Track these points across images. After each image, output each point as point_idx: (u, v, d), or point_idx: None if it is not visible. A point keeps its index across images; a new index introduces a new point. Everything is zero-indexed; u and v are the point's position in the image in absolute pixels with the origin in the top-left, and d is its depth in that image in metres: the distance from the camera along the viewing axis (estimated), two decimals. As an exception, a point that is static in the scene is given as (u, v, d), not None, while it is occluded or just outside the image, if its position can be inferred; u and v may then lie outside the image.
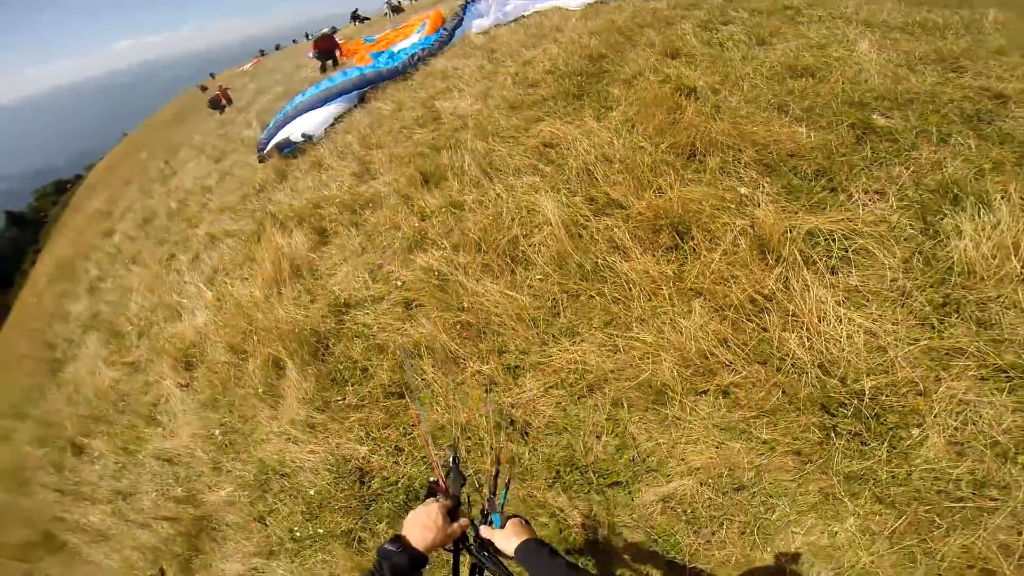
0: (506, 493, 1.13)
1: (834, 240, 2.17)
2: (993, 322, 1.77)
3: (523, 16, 7.51)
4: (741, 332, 2.01)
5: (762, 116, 3.02)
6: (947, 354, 1.75)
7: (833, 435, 1.69)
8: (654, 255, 2.45)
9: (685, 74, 3.66)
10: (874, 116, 2.81)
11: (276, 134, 6.94)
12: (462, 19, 7.67)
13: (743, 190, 2.56)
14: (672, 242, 2.48)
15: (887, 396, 1.71)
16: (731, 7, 5.16)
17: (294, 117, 6.93)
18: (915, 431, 1.63)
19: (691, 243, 2.43)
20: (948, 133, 2.55)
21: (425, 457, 2.26)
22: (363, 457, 2.40)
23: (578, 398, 2.13)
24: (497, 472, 1.15)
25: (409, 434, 2.41)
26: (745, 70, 3.57)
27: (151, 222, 9.56)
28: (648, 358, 2.07)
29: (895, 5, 4.80)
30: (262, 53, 41.18)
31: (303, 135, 6.40)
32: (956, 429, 1.59)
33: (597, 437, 1.99)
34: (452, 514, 0.97)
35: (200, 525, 2.72)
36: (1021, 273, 1.83)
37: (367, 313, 3.06)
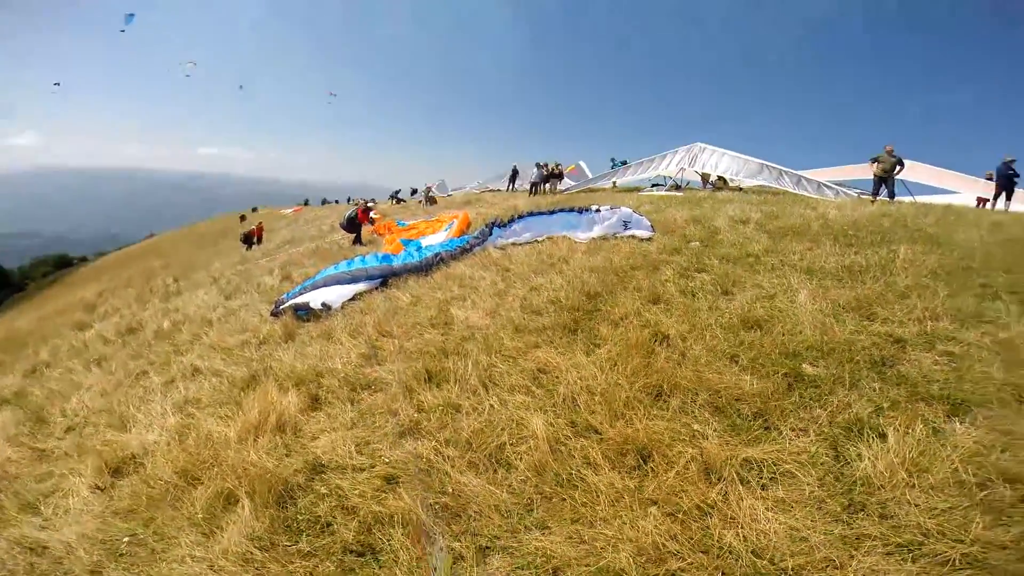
0: None
1: (765, 465, 2.72)
2: (891, 514, 2.28)
3: (538, 240, 8.56)
4: (688, 530, 2.39)
5: (717, 365, 3.65)
6: (857, 538, 2.20)
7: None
8: (619, 472, 2.84)
9: (662, 321, 4.34)
10: (804, 366, 3.52)
11: (297, 298, 7.37)
12: (486, 238, 8.67)
13: (696, 427, 3.09)
14: (636, 463, 2.88)
15: (809, 571, 2.09)
16: (706, 254, 6.23)
17: (320, 287, 7.46)
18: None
19: (651, 464, 2.86)
20: (858, 378, 3.30)
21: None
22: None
23: (543, 578, 2.33)
24: None
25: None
26: (709, 320, 4.29)
27: (134, 333, 9.51)
28: (608, 548, 2.36)
29: (832, 248, 5.91)
30: (305, 203, 46.25)
31: (323, 304, 6.82)
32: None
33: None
34: None
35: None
36: (907, 480, 2.43)
37: (344, 478, 3.10)
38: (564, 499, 2.69)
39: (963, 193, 16.53)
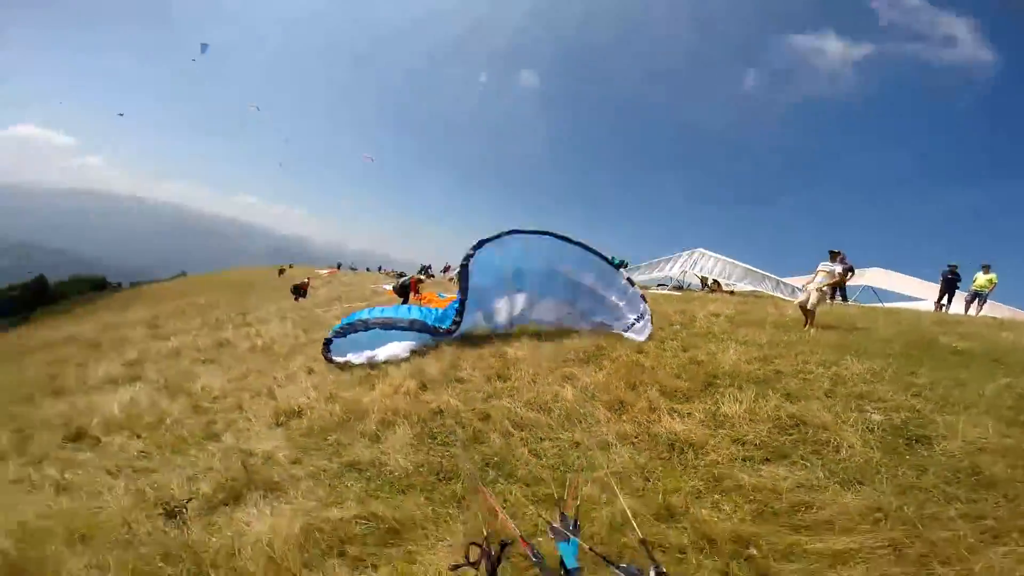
0: None
1: (684, 412, 4.87)
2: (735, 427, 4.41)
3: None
4: (642, 428, 4.73)
5: (668, 376, 6.00)
6: (717, 427, 4.47)
7: None
8: (610, 411, 5.14)
9: (641, 359, 6.85)
10: (716, 380, 5.88)
11: (362, 354, 8.10)
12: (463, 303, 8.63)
13: (650, 397, 5.40)
14: (618, 408, 5.19)
15: (689, 440, 4.21)
16: (681, 332, 8.75)
17: (378, 328, 8.31)
18: None
19: (626, 408, 5.17)
20: (745, 384, 5.39)
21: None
22: None
23: None
24: None
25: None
26: (670, 361, 6.73)
27: (225, 347, 11.95)
28: (601, 434, 4.60)
29: (770, 332, 8.29)
30: (339, 266, 50.10)
31: (388, 358, 7.89)
32: None
33: None
34: None
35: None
36: (747, 416, 4.66)
37: (456, 416, 5.60)
38: (581, 421, 5.11)
39: (927, 300, 17.74)
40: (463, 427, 5.26)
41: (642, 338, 8.20)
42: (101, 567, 3.15)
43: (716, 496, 3.69)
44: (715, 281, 21.24)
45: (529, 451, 4.62)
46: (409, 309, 9.49)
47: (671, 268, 23.63)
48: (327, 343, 8.43)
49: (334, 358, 8.24)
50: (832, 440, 4.25)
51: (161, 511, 3.82)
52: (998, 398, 5.06)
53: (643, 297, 8.97)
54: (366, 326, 8.47)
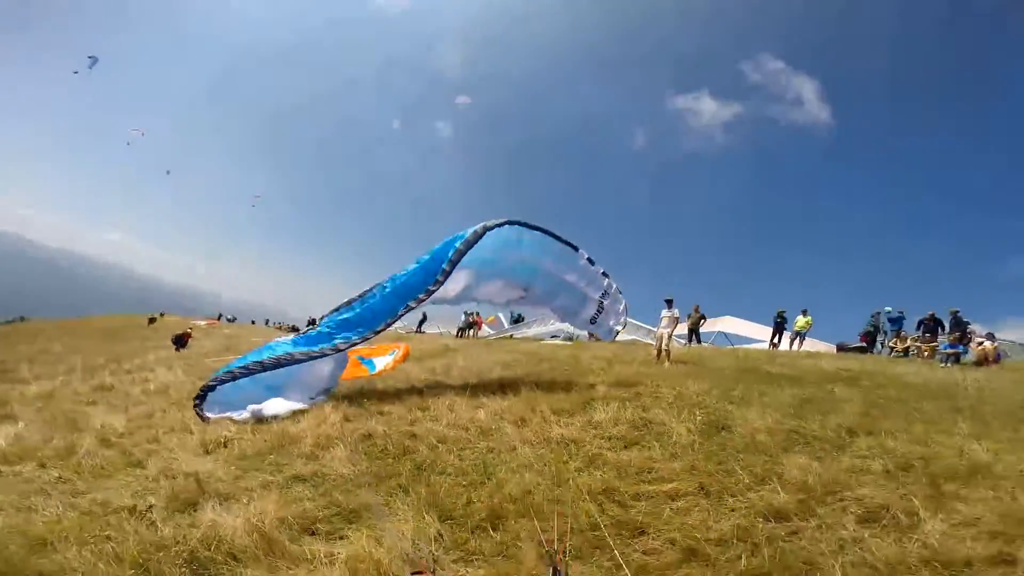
0: None
1: (562, 410, 6.36)
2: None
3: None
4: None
5: (536, 374, 7.58)
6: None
7: None
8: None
9: (532, 370, 8.39)
10: (565, 369, 7.44)
11: (244, 409, 7.56)
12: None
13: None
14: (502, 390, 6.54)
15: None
16: (563, 367, 10.54)
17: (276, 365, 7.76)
18: None
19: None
20: (595, 384, 7.14)
21: None
22: None
23: None
24: None
25: None
26: (547, 376, 8.36)
27: (107, 391, 11.10)
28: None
29: (631, 363, 10.29)
30: (219, 317, 46.55)
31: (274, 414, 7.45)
32: None
33: None
34: None
35: None
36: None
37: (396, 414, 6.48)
38: (493, 434, 6.38)
39: (765, 341, 20.31)
40: (393, 446, 6.19)
41: (615, 325, 9.34)
42: (97, 557, 3.60)
43: (592, 469, 5.15)
44: (600, 331, 24.04)
45: (454, 457, 5.72)
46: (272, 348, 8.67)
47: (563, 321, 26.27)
48: (200, 396, 7.72)
49: (206, 413, 7.57)
50: (668, 432, 6.00)
51: (127, 515, 4.23)
52: (784, 401, 7.30)
53: (605, 274, 9.24)
54: (263, 367, 7.87)
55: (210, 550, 3.67)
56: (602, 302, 9.16)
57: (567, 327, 26.03)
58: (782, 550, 3.76)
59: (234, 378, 7.84)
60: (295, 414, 7.64)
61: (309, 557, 3.57)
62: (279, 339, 9.58)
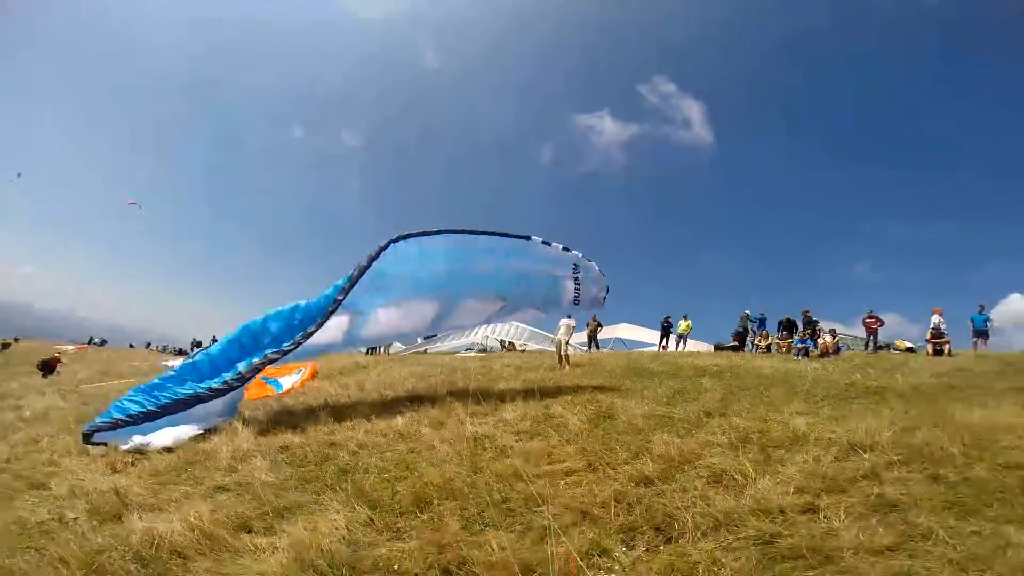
0: None
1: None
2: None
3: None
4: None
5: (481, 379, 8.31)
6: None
7: None
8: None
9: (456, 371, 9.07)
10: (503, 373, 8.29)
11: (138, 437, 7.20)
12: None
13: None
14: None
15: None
16: (478, 373, 11.32)
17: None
18: None
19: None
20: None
21: None
22: None
23: None
24: None
25: None
26: (469, 382, 9.11)
27: None
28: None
29: (539, 367, 11.35)
30: (90, 342, 41.43)
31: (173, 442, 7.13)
32: None
33: None
34: None
35: None
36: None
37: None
38: (412, 437, 6.93)
39: (656, 344, 22.10)
40: (313, 454, 6.50)
41: (599, 293, 9.72)
42: (40, 561, 3.64)
43: (503, 458, 5.93)
44: (510, 342, 25.20)
45: (376, 459, 6.19)
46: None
47: (476, 334, 27.01)
48: (91, 433, 7.32)
49: (95, 439, 7.27)
50: (565, 423, 7.01)
51: (56, 526, 4.22)
52: (660, 393, 8.66)
53: (566, 248, 9.35)
54: (167, 411, 7.65)
55: (153, 549, 3.86)
56: (576, 277, 9.40)
57: (479, 339, 27.02)
58: (650, 507, 4.74)
59: (135, 423, 7.50)
60: (195, 438, 7.55)
61: (252, 548, 3.91)
62: (169, 369, 9.57)
